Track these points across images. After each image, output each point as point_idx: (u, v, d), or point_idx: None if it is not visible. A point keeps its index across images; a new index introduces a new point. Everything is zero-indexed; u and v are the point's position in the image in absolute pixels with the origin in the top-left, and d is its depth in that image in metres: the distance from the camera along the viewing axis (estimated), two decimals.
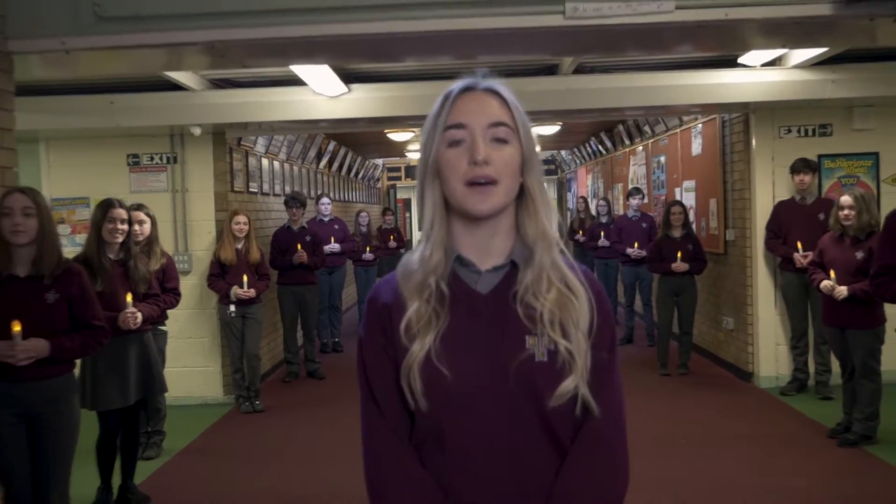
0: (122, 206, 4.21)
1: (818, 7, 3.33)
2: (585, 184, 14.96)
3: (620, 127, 10.46)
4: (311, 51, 3.88)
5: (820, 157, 6.46)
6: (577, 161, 15.33)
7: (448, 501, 1.36)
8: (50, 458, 3.06)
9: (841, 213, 4.93)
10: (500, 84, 1.40)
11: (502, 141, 1.35)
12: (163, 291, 4.69)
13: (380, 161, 16.98)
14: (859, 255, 4.83)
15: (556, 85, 6.03)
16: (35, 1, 3.44)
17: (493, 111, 1.36)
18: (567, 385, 1.32)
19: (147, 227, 5.03)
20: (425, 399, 1.32)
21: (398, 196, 19.62)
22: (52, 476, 3.06)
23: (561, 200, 18.11)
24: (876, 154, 6.45)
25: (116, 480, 4.39)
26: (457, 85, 1.39)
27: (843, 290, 4.79)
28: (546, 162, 18.28)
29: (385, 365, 1.38)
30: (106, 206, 4.13)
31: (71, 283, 3.08)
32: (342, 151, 11.80)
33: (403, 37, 3.51)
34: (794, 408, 5.94)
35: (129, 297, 4.15)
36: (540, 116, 7.36)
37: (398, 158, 16.74)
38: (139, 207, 5.01)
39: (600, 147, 12.44)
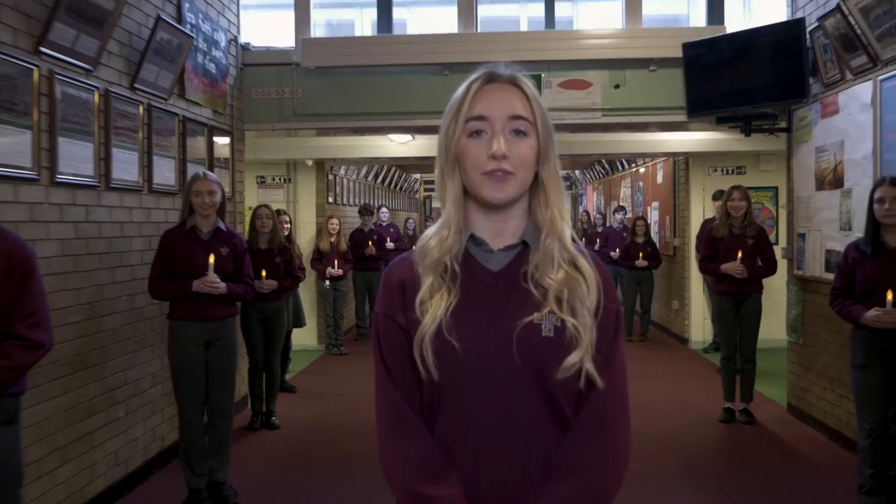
0: (285, 213, 7.19)
1: (678, 116, 6.24)
2: (592, 199, 17.86)
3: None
4: (395, 130, 6.87)
5: None
6: (588, 180, 18.21)
7: (453, 467, 1.39)
8: (272, 343, 6.02)
9: None
10: (521, 76, 1.43)
11: (521, 133, 1.38)
12: None
13: (418, 175, 19.97)
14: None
15: (560, 139, 8.91)
16: (258, 104, 6.45)
17: (514, 104, 1.39)
18: (573, 358, 1.36)
19: (287, 226, 7.99)
20: (436, 369, 1.37)
21: (433, 206, 22.62)
22: (274, 352, 6.03)
23: (575, 212, 21.01)
24: (776, 188, 9.26)
25: None
26: (479, 74, 1.42)
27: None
28: (563, 179, 21.21)
29: (398, 337, 1.43)
30: (279, 213, 7.09)
31: (286, 253, 6.05)
32: (391, 170, 14.78)
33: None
34: (707, 359, 8.79)
35: None
36: None
37: (434, 174, 19.68)
38: (284, 213, 7.98)
39: (602, 171, 15.32)
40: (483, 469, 1.38)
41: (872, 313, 3.76)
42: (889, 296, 3.71)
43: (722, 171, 9.42)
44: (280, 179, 9.73)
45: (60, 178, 3.76)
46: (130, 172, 4.49)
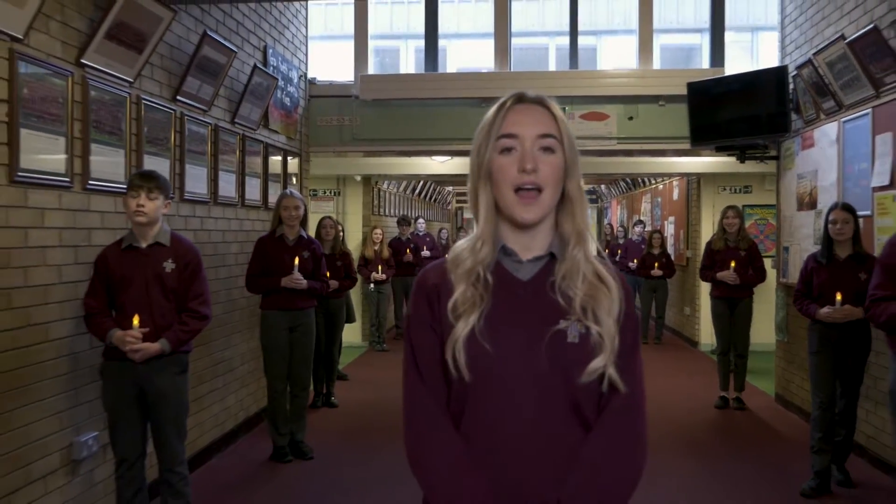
0: (339, 223, 8.27)
1: (683, 144, 7.22)
2: (616, 212, 18.80)
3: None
4: (437, 153, 7.92)
5: (744, 206, 10.20)
6: (613, 194, 19.16)
7: (477, 464, 1.46)
8: (333, 334, 7.08)
9: None
10: (548, 98, 1.53)
11: (549, 150, 1.47)
12: None
13: (451, 188, 21.06)
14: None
15: (588, 160, 9.91)
16: (322, 130, 7.54)
17: (543, 123, 1.49)
18: (597, 363, 1.44)
19: (341, 234, 9.07)
20: (468, 371, 1.44)
21: (464, 216, 23.70)
22: (333, 342, 7.10)
23: (600, 225, 21.97)
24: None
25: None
26: (509, 96, 1.53)
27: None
28: (589, 192, 22.27)
29: (430, 339, 1.51)
30: (336, 222, 8.18)
31: (346, 258, 7.11)
32: (427, 184, 15.85)
33: None
34: (713, 359, 9.69)
35: None
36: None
37: (465, 186, 20.76)
38: (338, 223, 9.06)
39: (626, 186, 16.27)
40: (508, 467, 1.46)
41: (825, 310, 4.71)
42: (838, 296, 4.66)
43: (730, 189, 10.36)
44: (331, 192, 10.83)
45: (188, 195, 4.86)
46: (230, 190, 5.58)
